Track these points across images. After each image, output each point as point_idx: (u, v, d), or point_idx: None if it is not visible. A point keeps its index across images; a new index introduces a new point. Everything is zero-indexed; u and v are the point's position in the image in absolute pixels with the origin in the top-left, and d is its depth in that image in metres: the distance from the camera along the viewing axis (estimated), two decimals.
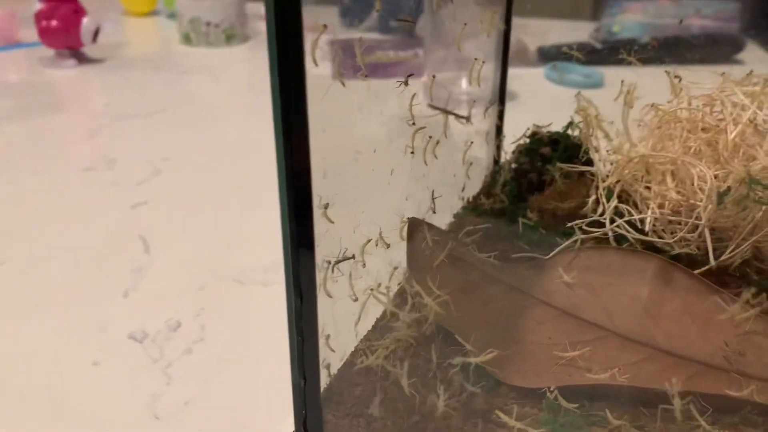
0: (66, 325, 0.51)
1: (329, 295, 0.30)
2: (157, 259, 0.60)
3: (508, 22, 0.54)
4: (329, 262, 0.30)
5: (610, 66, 1.00)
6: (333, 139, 0.31)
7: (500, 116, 0.55)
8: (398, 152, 0.39)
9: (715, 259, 0.38)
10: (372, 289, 0.36)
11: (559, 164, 0.47)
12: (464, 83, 0.91)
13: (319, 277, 0.31)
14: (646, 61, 0.48)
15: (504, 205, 0.50)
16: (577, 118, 0.50)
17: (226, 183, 0.75)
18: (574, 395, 0.33)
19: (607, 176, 0.45)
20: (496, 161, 0.56)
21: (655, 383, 0.33)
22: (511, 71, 0.59)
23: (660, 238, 0.41)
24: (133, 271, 0.58)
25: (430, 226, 0.41)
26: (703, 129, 0.42)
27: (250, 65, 1.23)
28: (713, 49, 1.01)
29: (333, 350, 0.32)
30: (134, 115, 0.95)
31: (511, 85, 0.70)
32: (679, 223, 0.41)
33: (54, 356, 0.48)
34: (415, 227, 0.40)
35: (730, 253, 0.38)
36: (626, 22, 1.13)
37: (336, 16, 1.48)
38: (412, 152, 0.37)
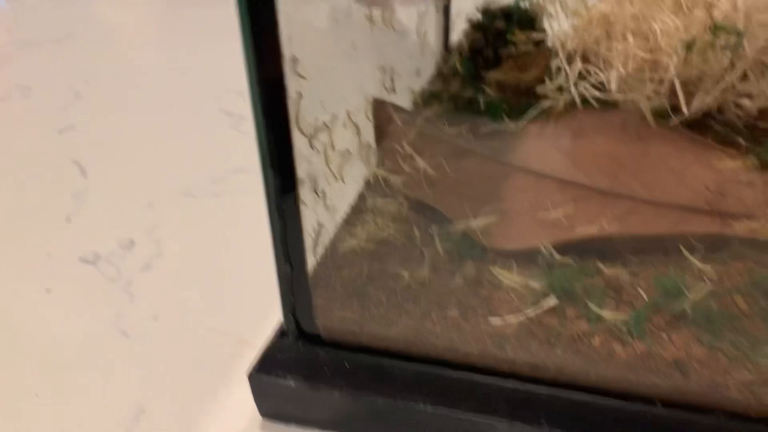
0: (9, 256, 0.47)
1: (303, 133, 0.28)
2: (95, 182, 0.56)
3: None
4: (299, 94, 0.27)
5: None
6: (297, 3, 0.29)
7: None
8: (358, 28, 0.37)
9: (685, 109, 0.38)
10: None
11: (516, 32, 0.46)
12: None
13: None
14: None
15: (462, 85, 0.48)
16: None
17: (153, 102, 0.70)
18: (562, 254, 0.32)
19: (567, 42, 0.43)
20: (447, 45, 0.54)
21: (641, 231, 0.33)
22: None
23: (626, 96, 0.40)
24: (72, 196, 0.54)
25: (395, 106, 0.40)
26: None
27: None
28: None
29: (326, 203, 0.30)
30: (42, 42, 0.87)
31: None
32: (643, 81, 0.41)
33: (1, 289, 0.44)
34: (380, 107, 0.38)
35: (699, 102, 0.38)
36: None
37: None
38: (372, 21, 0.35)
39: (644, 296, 0.29)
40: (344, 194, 0.37)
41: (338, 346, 0.31)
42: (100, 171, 0.57)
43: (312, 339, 0.32)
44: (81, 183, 0.55)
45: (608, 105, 0.40)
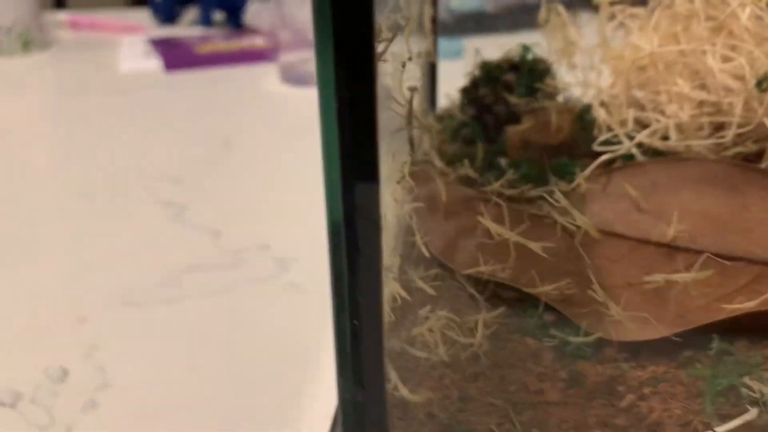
0: None
1: None
2: (4, 296, 0.43)
3: None
4: None
5: (458, 37, 0.96)
6: None
7: (434, 46, 0.46)
8: None
9: None
10: None
11: (539, 84, 0.39)
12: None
13: None
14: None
15: (471, 148, 0.40)
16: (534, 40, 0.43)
17: (65, 200, 0.59)
18: (691, 337, 0.24)
19: (605, 90, 0.37)
20: (435, 107, 0.47)
21: None
22: None
23: (688, 145, 0.34)
24: None
25: (439, 168, 0.32)
26: (706, 18, 0.36)
27: (56, 74, 1.03)
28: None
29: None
30: None
31: None
32: (702, 128, 0.35)
33: None
34: (419, 170, 0.30)
35: None
36: None
37: (147, 16, 1.31)
38: None
39: None
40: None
41: None
42: (8, 281, 0.45)
43: None
44: None
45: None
